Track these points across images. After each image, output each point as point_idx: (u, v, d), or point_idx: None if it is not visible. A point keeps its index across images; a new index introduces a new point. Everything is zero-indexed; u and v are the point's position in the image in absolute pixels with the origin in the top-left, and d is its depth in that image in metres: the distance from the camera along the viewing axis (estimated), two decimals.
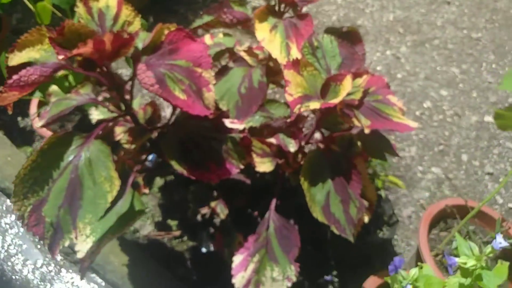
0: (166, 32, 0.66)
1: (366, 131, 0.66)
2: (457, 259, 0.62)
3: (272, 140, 0.85)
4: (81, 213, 0.61)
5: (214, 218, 1.12)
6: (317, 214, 0.66)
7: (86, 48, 0.53)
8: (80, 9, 0.65)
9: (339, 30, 0.88)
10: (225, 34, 0.98)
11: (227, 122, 0.74)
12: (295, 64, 0.66)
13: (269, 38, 0.76)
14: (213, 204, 0.95)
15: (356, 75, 0.69)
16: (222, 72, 0.84)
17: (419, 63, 1.70)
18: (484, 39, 1.85)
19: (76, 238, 0.62)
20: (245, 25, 0.85)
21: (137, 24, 0.65)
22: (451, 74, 1.69)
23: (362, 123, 0.66)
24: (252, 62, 0.88)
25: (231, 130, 0.76)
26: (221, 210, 0.95)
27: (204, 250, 1.14)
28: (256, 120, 0.74)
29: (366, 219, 0.84)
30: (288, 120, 0.72)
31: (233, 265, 0.82)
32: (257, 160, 0.83)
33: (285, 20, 0.80)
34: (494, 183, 1.41)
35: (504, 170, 1.45)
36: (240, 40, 1.43)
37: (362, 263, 1.16)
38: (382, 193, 1.08)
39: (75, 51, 0.52)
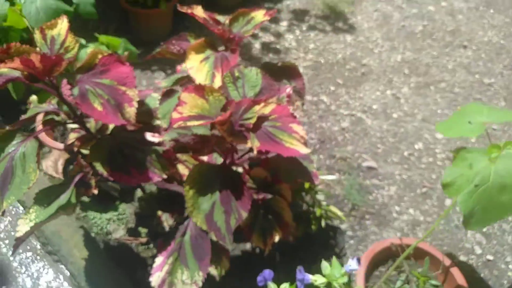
0: (99, 56, 0.81)
1: (255, 151, 0.73)
2: (310, 276, 0.66)
3: (204, 157, 0.95)
4: (8, 195, 0.75)
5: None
6: (198, 220, 0.74)
7: (14, 64, 0.69)
8: (37, 35, 0.82)
9: (275, 64, 0.96)
10: None
11: (148, 136, 0.85)
12: (198, 89, 0.76)
13: (198, 67, 0.88)
14: (159, 213, 1.06)
15: (255, 103, 0.77)
16: (168, 94, 0.97)
17: (419, 105, 1.70)
18: (497, 85, 1.79)
19: (2, 214, 0.76)
20: None
21: (76, 49, 0.80)
22: None
23: (253, 144, 0.74)
24: None
25: (158, 143, 0.87)
26: (166, 219, 1.05)
27: None
28: (170, 135, 0.85)
29: (276, 237, 0.89)
30: (165, 131, 0.81)
31: (154, 265, 0.91)
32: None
33: (218, 52, 0.92)
34: (474, 232, 1.35)
35: None
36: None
37: None
38: (323, 222, 1.10)
39: (1, 65, 0.68)
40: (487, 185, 0.75)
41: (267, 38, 1.94)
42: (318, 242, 1.21)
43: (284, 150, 0.75)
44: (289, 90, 0.93)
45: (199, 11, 0.93)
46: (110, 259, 1.19)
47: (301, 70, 1.79)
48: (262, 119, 0.77)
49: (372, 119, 1.64)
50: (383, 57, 1.88)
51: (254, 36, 1.94)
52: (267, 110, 0.79)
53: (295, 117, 0.81)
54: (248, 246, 1.27)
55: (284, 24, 2.02)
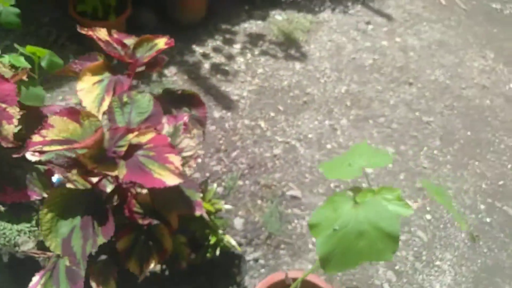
0: None
1: (121, 179, 0.74)
2: None
3: (93, 179, 0.95)
4: None
5: None
6: (53, 244, 0.74)
7: None
8: None
9: (175, 92, 0.98)
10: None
11: (28, 155, 0.85)
12: (72, 113, 0.77)
13: (88, 89, 0.88)
14: None
15: (129, 131, 0.78)
16: None
17: (355, 137, 1.73)
18: (435, 123, 1.83)
19: None
20: None
21: None
22: None
23: (120, 172, 0.75)
24: None
25: (40, 162, 0.87)
26: None
27: None
28: (48, 155, 0.85)
29: (153, 264, 0.89)
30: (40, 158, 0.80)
31: (30, 284, 0.90)
32: None
33: (115, 76, 0.93)
34: (387, 269, 1.36)
35: (404, 258, 1.39)
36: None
37: None
38: (218, 251, 1.11)
39: None
40: (346, 230, 0.76)
41: (218, 59, 1.96)
42: (219, 270, 1.21)
43: (149, 181, 0.75)
44: (186, 118, 0.94)
45: (102, 34, 0.94)
46: (13, 272, 1.17)
47: (245, 94, 1.82)
48: (134, 147, 0.78)
49: (305, 148, 1.66)
50: (328, 87, 1.92)
51: (205, 56, 1.96)
52: (144, 138, 0.80)
53: (173, 147, 0.81)
54: (158, 268, 1.26)
55: (237, 46, 2.05)
